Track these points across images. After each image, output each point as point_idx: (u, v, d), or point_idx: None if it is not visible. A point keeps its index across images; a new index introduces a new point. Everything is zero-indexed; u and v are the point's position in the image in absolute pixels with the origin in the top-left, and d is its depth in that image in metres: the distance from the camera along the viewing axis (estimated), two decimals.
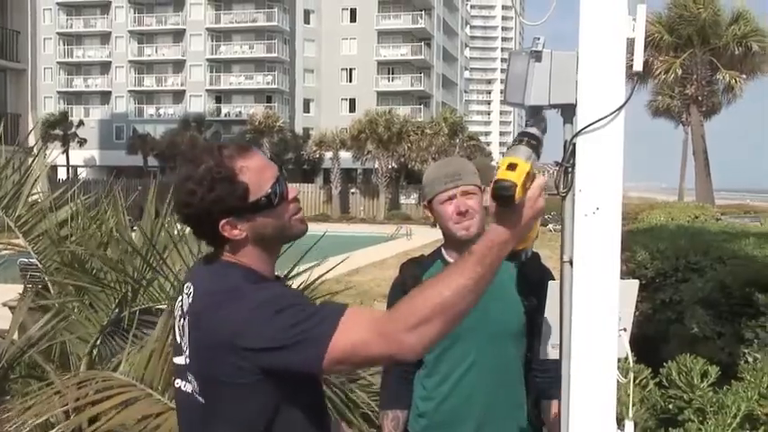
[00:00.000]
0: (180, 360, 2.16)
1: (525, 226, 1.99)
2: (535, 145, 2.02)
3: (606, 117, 2.05)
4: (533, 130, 2.06)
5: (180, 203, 2.10)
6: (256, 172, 2.08)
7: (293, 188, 2.18)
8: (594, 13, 2.07)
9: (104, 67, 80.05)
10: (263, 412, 2.05)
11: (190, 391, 2.12)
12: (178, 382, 2.19)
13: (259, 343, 1.93)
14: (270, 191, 2.09)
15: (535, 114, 2.12)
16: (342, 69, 77.89)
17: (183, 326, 2.14)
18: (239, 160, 2.07)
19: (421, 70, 78.00)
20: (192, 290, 2.14)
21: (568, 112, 2.15)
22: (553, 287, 2.40)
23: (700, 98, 38.16)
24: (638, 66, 2.08)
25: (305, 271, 4.55)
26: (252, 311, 1.96)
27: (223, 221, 2.07)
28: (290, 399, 2.07)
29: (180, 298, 2.20)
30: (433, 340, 1.92)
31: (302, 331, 1.91)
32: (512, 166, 1.92)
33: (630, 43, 2.07)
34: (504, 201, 1.91)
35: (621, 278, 2.19)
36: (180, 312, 2.17)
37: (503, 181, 1.90)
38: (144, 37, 79.57)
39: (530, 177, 1.95)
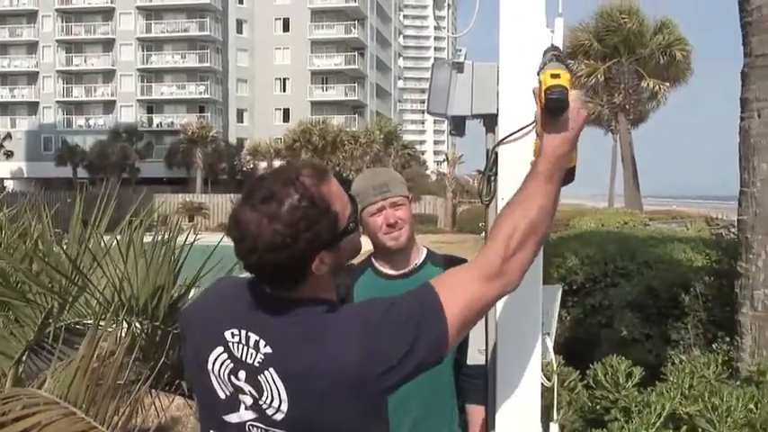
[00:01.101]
0: (238, 417, 1.92)
1: (576, 136, 1.98)
2: (563, 58, 2.00)
3: (527, 126, 2.11)
4: (555, 44, 2.06)
5: (264, 249, 1.79)
6: (341, 197, 1.90)
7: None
8: (513, 25, 2.12)
9: (31, 77, 78.21)
10: None
11: None
12: None
13: (392, 359, 1.79)
14: (352, 213, 1.93)
15: (456, 124, 2.16)
16: (275, 79, 77.56)
17: (259, 381, 1.87)
18: (325, 187, 1.85)
19: (355, 80, 78.12)
20: (256, 339, 1.88)
21: (490, 121, 2.20)
22: None
23: (627, 106, 39.05)
24: None
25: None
26: (362, 336, 1.82)
27: (317, 259, 1.85)
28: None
29: (219, 349, 1.94)
30: (530, 262, 1.93)
31: (415, 323, 1.81)
32: (555, 76, 1.91)
33: None
34: (559, 108, 1.91)
35: (551, 284, 2.24)
36: (231, 365, 1.92)
37: (554, 88, 1.89)
38: (72, 46, 77.99)
39: (572, 85, 1.95)
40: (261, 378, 1.86)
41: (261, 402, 1.87)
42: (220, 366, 1.92)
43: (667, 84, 39.16)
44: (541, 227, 1.91)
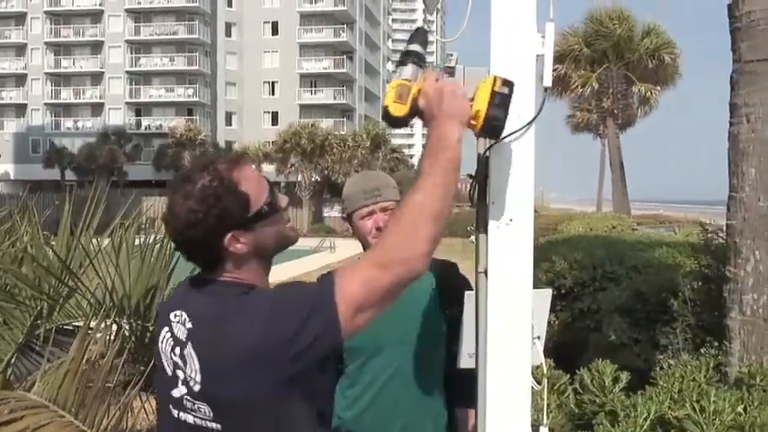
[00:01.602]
0: (178, 391, 2.06)
1: (445, 108, 2.00)
2: (418, 62, 2.07)
3: (517, 131, 2.12)
4: (415, 47, 2.10)
5: (182, 226, 2.01)
6: (254, 181, 2.07)
7: (283, 197, 2.17)
8: (504, 30, 2.13)
9: (20, 79, 77.90)
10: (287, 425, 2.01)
11: (196, 422, 2.04)
12: (175, 414, 2.09)
13: (289, 333, 1.92)
14: (269, 199, 2.08)
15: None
16: (264, 82, 77.52)
17: (184, 354, 2.04)
18: (236, 171, 2.05)
19: (343, 83, 78.16)
20: (185, 316, 2.06)
21: None
22: (470, 297, 2.45)
23: (615, 111, 39.15)
24: (547, 81, 2.15)
25: None
26: (266, 315, 1.96)
27: (228, 236, 2.02)
28: (306, 406, 2.03)
29: (165, 329, 2.12)
30: (427, 243, 1.94)
31: (311, 304, 1.93)
32: (401, 95, 2.02)
33: (540, 59, 2.14)
34: (398, 122, 2.03)
35: (538, 287, 2.24)
36: (172, 342, 2.08)
37: (387, 111, 2.03)
38: (61, 48, 77.76)
39: (420, 94, 2.04)
40: (185, 352, 2.04)
41: (186, 376, 2.04)
42: (166, 345, 2.11)
43: (658, 88, 39.23)
44: (434, 208, 1.95)
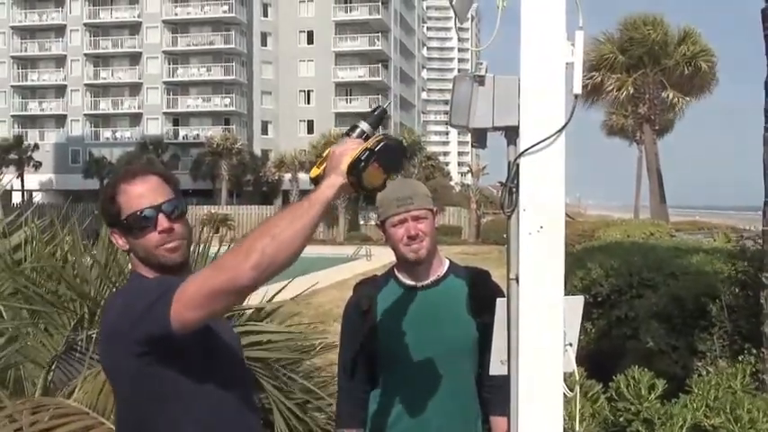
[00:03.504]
0: None
1: (329, 169, 2.16)
2: (360, 137, 2.22)
3: (547, 139, 2.13)
4: (363, 125, 2.25)
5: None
6: (131, 197, 2.34)
7: (164, 222, 2.34)
8: (534, 38, 2.14)
9: (59, 90, 79.19)
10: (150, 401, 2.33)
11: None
12: None
13: (132, 318, 2.21)
14: (132, 215, 2.32)
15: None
16: (300, 91, 77.97)
17: None
18: (122, 184, 2.37)
19: (379, 92, 78.25)
20: None
21: (512, 134, 2.22)
22: (501, 304, 2.45)
23: (652, 117, 38.73)
24: (577, 89, 2.16)
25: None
26: (124, 302, 2.32)
27: (111, 229, 2.42)
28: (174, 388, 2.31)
29: None
30: (261, 270, 2.03)
31: (150, 297, 2.17)
32: (320, 160, 2.24)
33: (570, 67, 2.15)
34: (315, 182, 2.21)
35: (574, 295, 2.24)
36: None
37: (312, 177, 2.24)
38: (100, 60, 78.95)
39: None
40: None
41: None
42: None
43: (687, 99, 38.70)
44: (277, 242, 2.04)
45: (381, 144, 2.15)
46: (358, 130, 2.23)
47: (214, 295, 2.08)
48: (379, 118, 2.28)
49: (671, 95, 37.83)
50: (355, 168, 2.12)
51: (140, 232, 2.33)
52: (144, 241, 2.34)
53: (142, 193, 2.33)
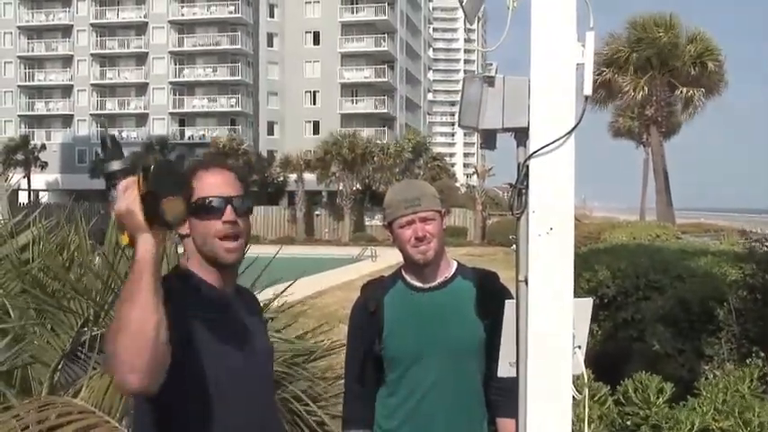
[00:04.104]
0: None
1: (128, 227, 2.03)
2: (112, 183, 2.07)
3: (557, 140, 2.12)
4: (113, 166, 2.09)
5: None
6: (205, 183, 2.35)
7: (230, 214, 2.32)
8: (545, 39, 2.13)
9: (66, 90, 79.30)
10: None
11: None
12: None
13: None
14: (202, 199, 2.31)
15: (487, 138, 2.18)
16: (305, 92, 77.93)
17: None
18: (200, 170, 2.39)
19: (384, 92, 78.23)
20: None
21: (521, 135, 2.21)
22: (510, 306, 2.44)
23: (659, 119, 38.62)
24: (587, 90, 2.15)
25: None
26: None
27: None
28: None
29: None
30: (137, 363, 1.94)
31: None
32: (120, 227, 2.06)
33: (580, 68, 2.14)
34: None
35: (581, 297, 2.23)
36: None
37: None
38: (106, 60, 79.03)
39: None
40: None
41: None
42: None
43: (702, 89, 38.42)
44: (119, 325, 1.96)
45: (150, 173, 2.01)
46: (117, 177, 2.05)
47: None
48: (116, 146, 2.12)
49: (684, 91, 37.53)
50: (151, 214, 1.99)
51: (206, 217, 2.33)
52: (206, 227, 2.33)
53: (216, 183, 2.36)
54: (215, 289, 2.38)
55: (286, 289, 4.79)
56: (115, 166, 2.08)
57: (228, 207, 2.33)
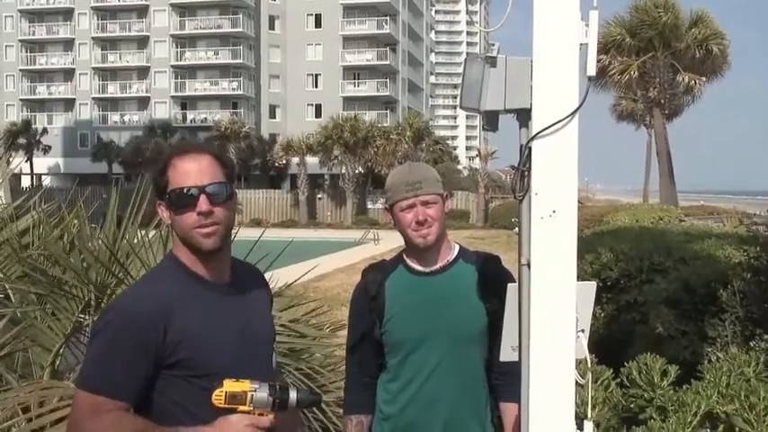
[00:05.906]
0: None
1: None
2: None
3: (560, 121, 2.09)
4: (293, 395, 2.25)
5: None
6: (179, 172, 2.31)
7: (204, 204, 2.27)
8: (547, 19, 2.09)
9: (68, 74, 79.18)
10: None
11: None
12: None
13: None
14: (176, 191, 2.29)
15: (489, 119, 2.15)
16: (307, 75, 77.75)
17: None
18: (174, 158, 2.34)
19: (386, 75, 78.06)
20: None
21: (524, 116, 2.18)
22: (512, 289, 2.42)
23: (662, 101, 38.49)
24: (591, 70, 2.11)
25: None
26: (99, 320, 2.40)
27: (158, 201, 2.37)
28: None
29: None
30: None
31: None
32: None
33: (584, 48, 2.10)
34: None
35: (584, 279, 2.21)
36: None
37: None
38: (108, 43, 78.85)
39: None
40: None
41: None
42: None
43: (704, 78, 38.36)
44: None
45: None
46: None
47: None
48: (311, 402, 2.30)
49: (686, 79, 37.46)
50: None
51: (180, 209, 2.29)
52: (182, 219, 2.30)
53: (189, 171, 2.29)
54: (204, 281, 2.36)
55: (302, 276, 4.77)
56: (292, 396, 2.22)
57: (202, 197, 2.27)
